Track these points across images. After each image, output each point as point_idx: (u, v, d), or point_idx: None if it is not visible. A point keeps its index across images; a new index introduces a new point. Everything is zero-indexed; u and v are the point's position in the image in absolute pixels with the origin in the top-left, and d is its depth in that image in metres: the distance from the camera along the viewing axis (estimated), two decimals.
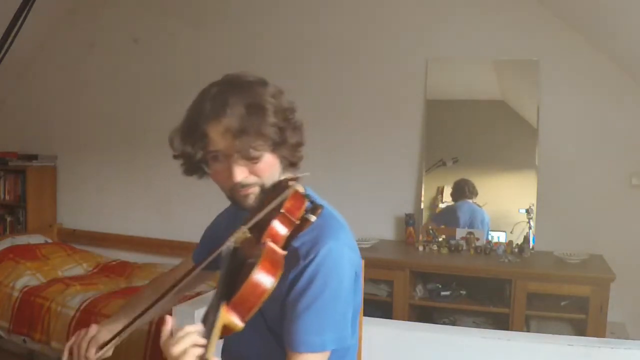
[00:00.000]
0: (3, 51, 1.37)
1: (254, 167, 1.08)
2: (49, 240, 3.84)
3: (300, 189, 1.15)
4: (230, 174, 1.07)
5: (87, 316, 2.84)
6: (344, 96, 3.36)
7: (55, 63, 4.07)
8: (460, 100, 3.20)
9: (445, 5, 3.15)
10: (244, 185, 1.08)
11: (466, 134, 3.17)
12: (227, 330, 0.94)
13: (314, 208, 1.10)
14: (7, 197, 4.07)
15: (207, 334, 0.91)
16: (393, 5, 3.24)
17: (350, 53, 3.33)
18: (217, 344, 1.20)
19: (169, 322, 0.96)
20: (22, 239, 3.68)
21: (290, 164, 1.16)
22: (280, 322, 1.10)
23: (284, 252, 1.02)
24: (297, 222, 1.06)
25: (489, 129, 3.14)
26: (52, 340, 2.88)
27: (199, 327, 0.94)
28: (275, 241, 1.02)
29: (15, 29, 1.38)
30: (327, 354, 1.08)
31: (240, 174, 1.07)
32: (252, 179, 1.09)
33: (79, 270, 3.53)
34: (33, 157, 4.03)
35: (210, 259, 1.06)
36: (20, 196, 4.02)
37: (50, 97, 4.11)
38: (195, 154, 1.08)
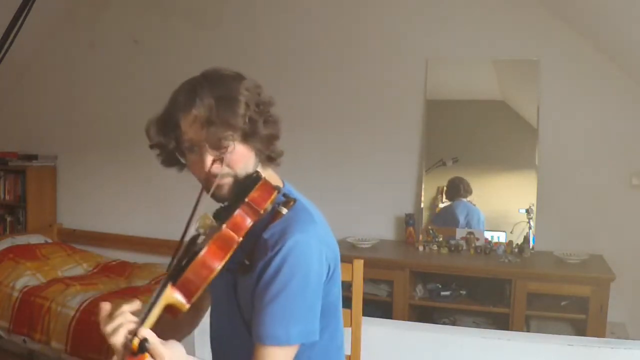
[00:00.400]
0: (3, 51, 1.37)
1: (224, 157, 1.10)
2: (49, 240, 3.84)
3: (276, 182, 1.17)
4: (203, 164, 1.09)
5: (87, 316, 2.84)
6: (344, 96, 3.35)
7: (55, 63, 4.07)
8: (460, 100, 3.20)
9: (445, 5, 3.15)
10: (216, 176, 1.10)
11: (466, 134, 3.17)
12: (173, 311, 0.95)
13: (287, 201, 1.12)
14: (7, 197, 4.07)
15: (147, 310, 0.92)
16: (393, 6, 3.24)
17: (350, 53, 3.33)
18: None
19: (106, 306, 0.97)
20: (22, 239, 3.68)
21: (268, 158, 1.18)
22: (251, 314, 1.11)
23: (239, 239, 1.03)
24: (262, 212, 1.07)
25: (489, 129, 3.14)
26: (52, 340, 2.88)
27: (135, 305, 0.96)
28: (235, 229, 1.03)
29: (15, 29, 1.38)
30: (293, 348, 1.08)
31: (213, 164, 1.09)
32: (224, 169, 1.10)
33: (79, 270, 3.53)
34: (33, 157, 4.03)
35: (181, 249, 1.07)
36: (20, 196, 4.02)
37: (51, 97, 4.11)
38: (168, 144, 1.13)
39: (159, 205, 3.81)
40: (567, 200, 2.98)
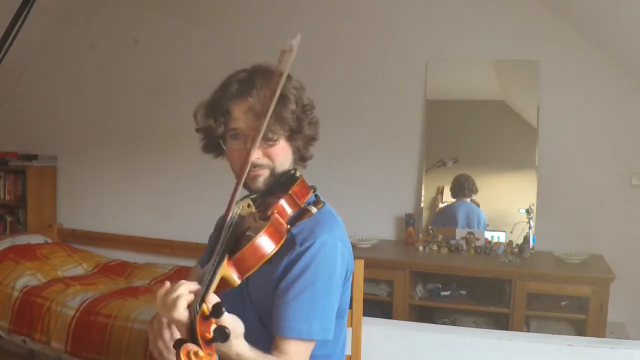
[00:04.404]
0: (3, 51, 1.37)
1: (268, 149, 1.14)
2: (49, 240, 3.84)
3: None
4: (244, 152, 1.12)
5: (87, 316, 2.84)
6: (344, 96, 3.35)
7: (55, 63, 4.07)
8: (460, 100, 3.20)
9: (445, 5, 3.15)
10: (255, 166, 1.14)
11: (466, 134, 3.17)
12: (224, 284, 0.96)
13: (317, 202, 1.16)
14: (7, 197, 4.06)
15: (207, 281, 0.92)
16: (393, 5, 3.24)
17: (350, 53, 3.33)
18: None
19: (167, 284, 0.97)
20: (22, 239, 3.67)
21: (301, 158, 1.22)
22: (267, 306, 1.13)
23: (288, 226, 1.07)
24: (302, 205, 1.12)
25: (489, 129, 3.14)
26: (52, 340, 2.88)
27: (192, 282, 0.95)
28: (282, 217, 1.07)
29: (15, 29, 1.38)
30: (312, 344, 1.11)
31: (255, 153, 1.11)
32: (264, 160, 1.15)
33: (79, 270, 3.52)
34: (33, 157, 4.02)
35: (226, 230, 1.06)
36: (20, 196, 4.01)
37: (50, 97, 4.11)
38: (216, 129, 1.15)
39: (159, 206, 3.81)
40: (567, 200, 2.97)
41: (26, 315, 3.00)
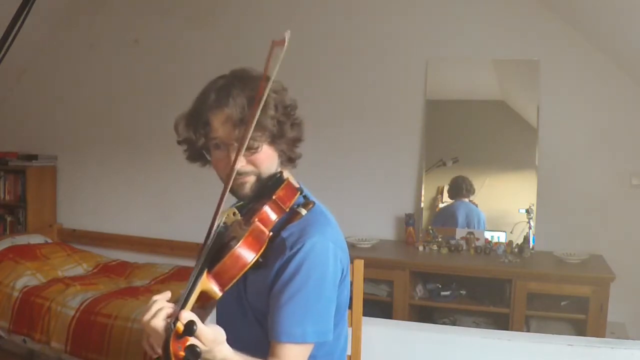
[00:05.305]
0: (3, 51, 1.37)
1: (252, 156, 1.13)
2: (49, 240, 3.84)
3: (294, 182, 1.20)
4: (228, 161, 1.11)
5: (87, 316, 2.84)
6: (344, 96, 3.35)
7: (55, 63, 4.07)
8: (460, 100, 3.20)
9: (445, 5, 3.15)
10: (241, 173, 1.13)
11: (466, 134, 3.17)
12: (206, 297, 0.97)
13: (306, 203, 1.16)
14: (7, 197, 4.06)
15: (185, 296, 0.92)
16: (393, 5, 3.24)
17: (350, 53, 3.33)
18: None
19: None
20: (22, 239, 3.67)
21: (288, 159, 1.21)
22: (264, 310, 1.12)
23: (270, 233, 1.06)
24: (287, 210, 1.11)
25: (489, 129, 3.14)
26: (52, 340, 2.88)
27: (166, 295, 0.97)
28: (264, 224, 1.07)
29: (16, 29, 1.38)
30: (308, 347, 1.10)
31: (238, 162, 1.10)
32: (249, 168, 1.14)
33: (79, 270, 3.52)
34: (33, 157, 4.02)
35: (209, 240, 1.07)
36: (20, 196, 4.01)
37: (50, 97, 4.11)
38: (197, 140, 1.14)
39: (158, 206, 3.81)
40: (567, 200, 2.97)
41: (26, 315, 3.00)
